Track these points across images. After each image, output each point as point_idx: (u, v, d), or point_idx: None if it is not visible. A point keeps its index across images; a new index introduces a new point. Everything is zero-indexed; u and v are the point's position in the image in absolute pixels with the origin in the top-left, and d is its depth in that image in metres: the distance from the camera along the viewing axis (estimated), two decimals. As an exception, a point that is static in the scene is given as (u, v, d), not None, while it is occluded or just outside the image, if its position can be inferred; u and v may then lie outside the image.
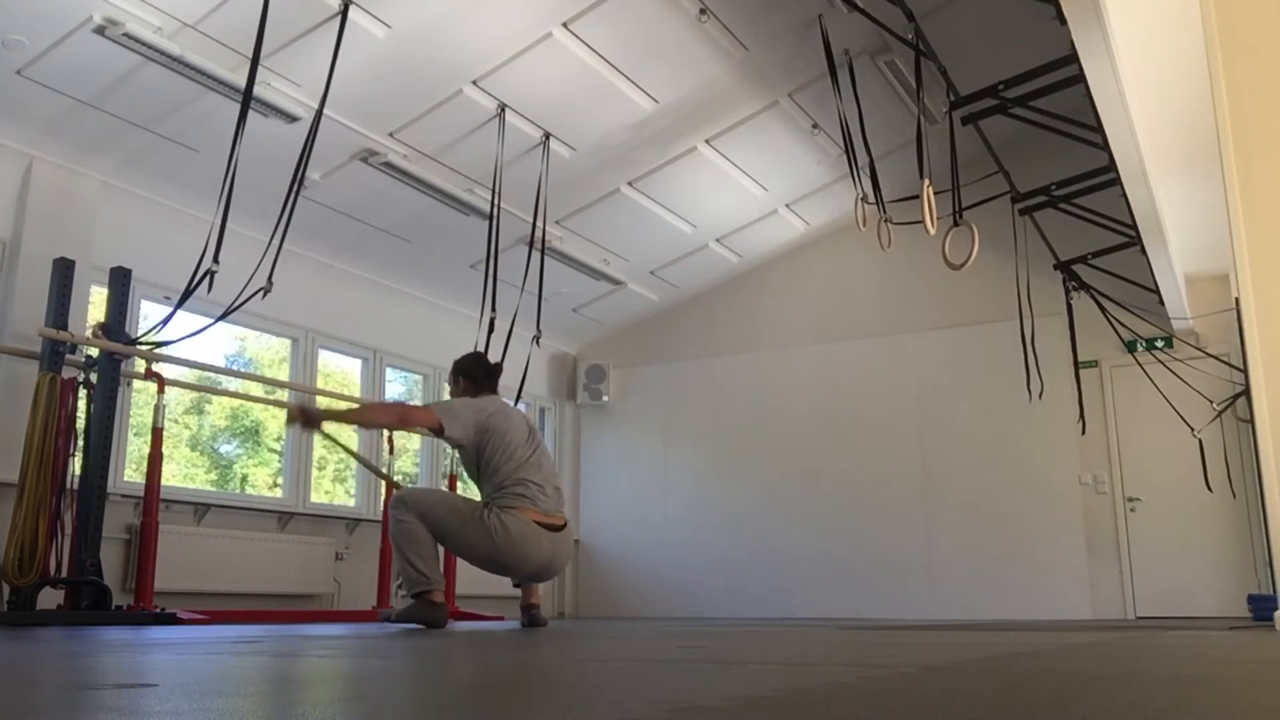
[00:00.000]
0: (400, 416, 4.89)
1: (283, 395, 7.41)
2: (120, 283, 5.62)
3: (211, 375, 7.07)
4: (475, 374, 4.70)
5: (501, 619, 7.19)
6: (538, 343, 6.84)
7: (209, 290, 4.51)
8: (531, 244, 6.75)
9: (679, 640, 3.29)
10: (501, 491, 4.40)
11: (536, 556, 4.42)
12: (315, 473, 7.63)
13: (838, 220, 8.63)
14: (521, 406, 5.67)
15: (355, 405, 4.84)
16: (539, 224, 6.72)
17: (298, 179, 4.98)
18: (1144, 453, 7.82)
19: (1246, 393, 5.65)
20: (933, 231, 4.82)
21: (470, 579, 7.75)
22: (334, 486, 8.49)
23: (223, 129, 5.29)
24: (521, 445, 4.47)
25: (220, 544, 6.38)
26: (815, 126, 7.29)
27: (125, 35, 5.07)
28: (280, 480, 7.48)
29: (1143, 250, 6.45)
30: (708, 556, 8.99)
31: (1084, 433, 7.68)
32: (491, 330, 6.22)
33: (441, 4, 5.54)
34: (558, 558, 4.53)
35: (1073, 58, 4.44)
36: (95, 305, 5.89)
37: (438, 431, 4.38)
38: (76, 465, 5.33)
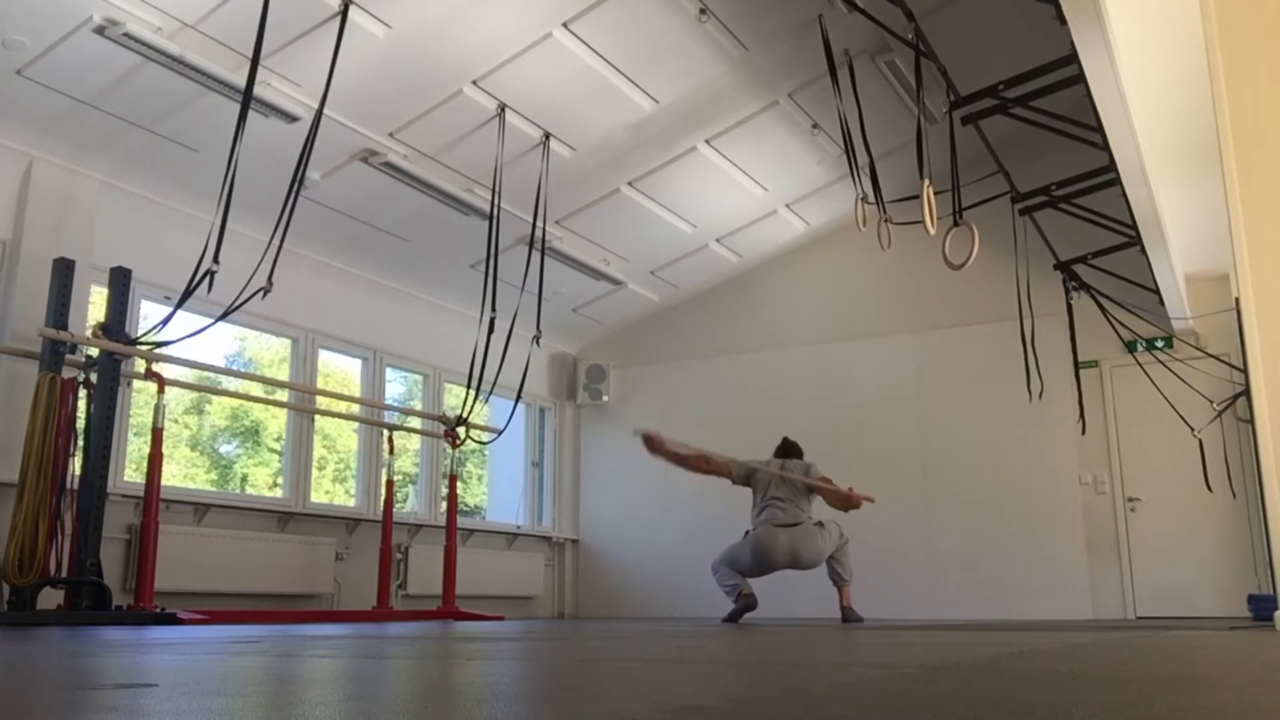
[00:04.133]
0: (716, 467, 6.58)
1: (283, 395, 7.41)
2: (120, 283, 5.62)
3: (211, 375, 7.07)
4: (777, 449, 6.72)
5: (502, 618, 7.20)
6: (538, 343, 6.85)
7: (209, 290, 4.51)
8: (531, 244, 6.75)
9: (679, 640, 3.29)
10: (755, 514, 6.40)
11: (778, 547, 6.18)
12: (315, 473, 7.63)
13: (838, 220, 8.63)
14: (521, 406, 6.03)
15: (696, 451, 6.50)
16: (539, 224, 6.72)
17: (298, 179, 4.98)
18: (1144, 453, 7.81)
19: (1246, 393, 5.65)
20: (933, 231, 4.82)
21: (472, 582, 7.78)
22: (334, 486, 8.49)
23: (223, 129, 5.29)
24: (772, 485, 6.36)
25: (220, 544, 6.38)
26: (815, 126, 7.29)
27: (125, 35, 5.07)
28: (280, 480, 7.48)
29: (1143, 250, 6.45)
30: (708, 557, 8.97)
31: (1084, 433, 7.68)
32: (491, 330, 6.22)
33: (441, 4, 5.54)
34: (796, 545, 6.20)
35: (1073, 58, 4.44)
36: (95, 305, 5.89)
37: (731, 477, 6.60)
38: (76, 465, 5.33)
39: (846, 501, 6.36)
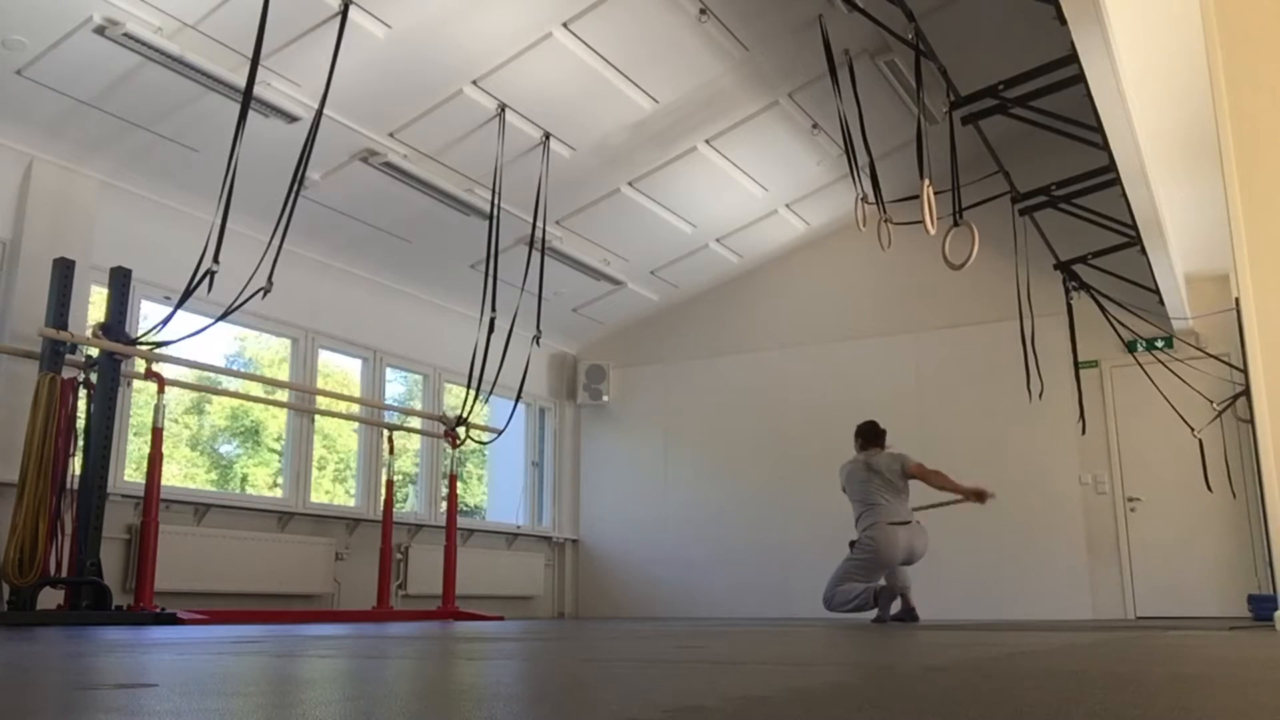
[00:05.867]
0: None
1: (283, 395, 7.41)
2: (120, 283, 5.62)
3: (211, 375, 7.07)
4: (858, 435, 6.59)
5: (501, 619, 7.20)
6: (538, 343, 6.84)
7: (209, 290, 4.51)
8: (531, 244, 6.75)
9: (679, 640, 3.29)
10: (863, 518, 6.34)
11: (898, 545, 6.22)
12: (315, 473, 7.63)
13: (838, 220, 8.63)
14: (521, 406, 5.96)
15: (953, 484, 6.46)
16: (539, 224, 6.72)
17: (298, 179, 4.98)
18: (1144, 453, 7.81)
19: (1246, 393, 5.65)
20: (933, 231, 4.82)
21: (472, 582, 7.78)
22: (334, 486, 8.49)
23: (223, 129, 5.29)
24: (862, 485, 6.34)
25: (220, 544, 6.38)
26: (815, 126, 7.29)
27: (125, 35, 5.07)
28: (280, 480, 7.48)
29: (1143, 250, 6.45)
30: (708, 556, 8.98)
31: (1084, 433, 7.67)
32: (491, 330, 6.22)
33: (441, 4, 5.54)
34: (913, 541, 6.29)
35: (1073, 58, 4.44)
36: (95, 305, 5.89)
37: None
38: (76, 465, 5.33)
39: (978, 496, 6.43)
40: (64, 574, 5.15)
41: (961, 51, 6.06)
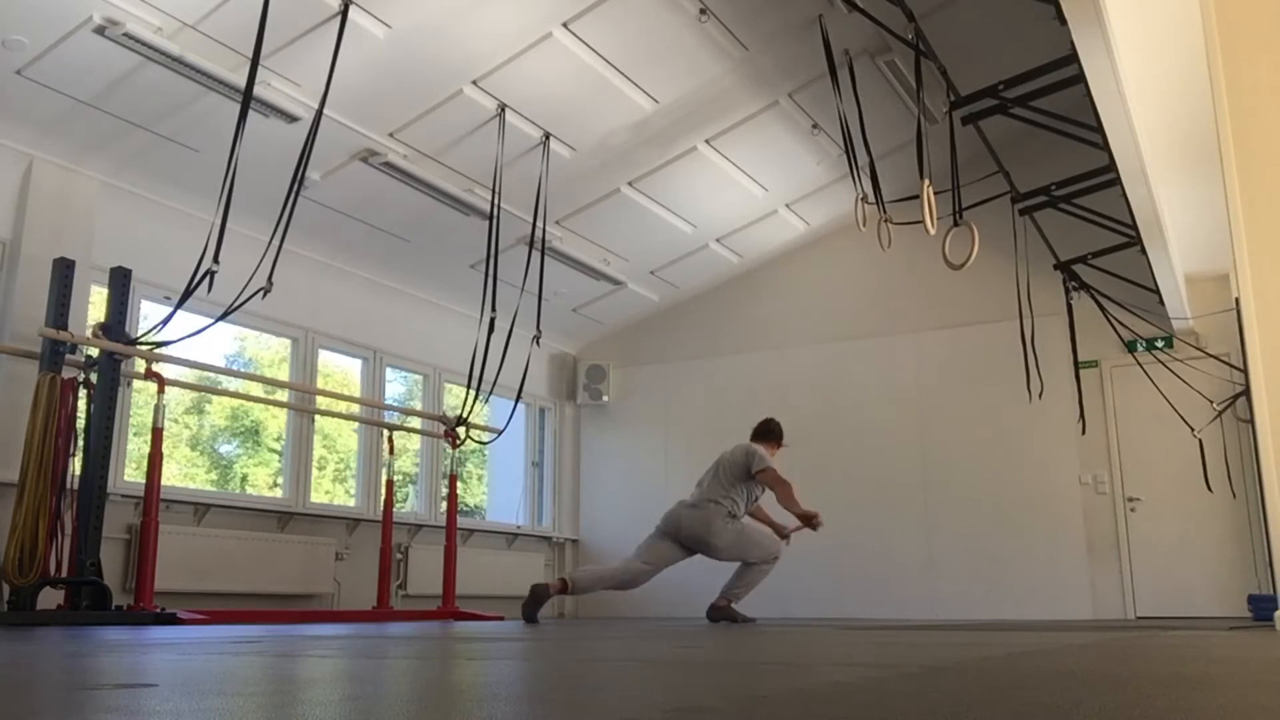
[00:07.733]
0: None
1: (283, 395, 7.41)
2: (120, 283, 5.62)
3: (211, 375, 7.07)
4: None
5: (501, 618, 7.19)
6: (538, 343, 6.85)
7: (209, 290, 4.51)
8: (531, 244, 6.75)
9: (679, 640, 3.29)
10: None
11: (669, 520, 6.55)
12: (315, 473, 7.63)
13: (838, 220, 8.63)
14: (521, 406, 6.27)
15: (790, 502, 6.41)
16: (539, 224, 6.72)
17: (298, 179, 4.98)
18: (1144, 453, 7.81)
19: (1246, 393, 5.65)
20: (933, 231, 4.82)
21: (472, 582, 7.78)
22: (334, 486, 8.49)
23: (223, 129, 5.29)
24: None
25: (220, 544, 6.38)
26: (815, 126, 7.29)
27: (125, 35, 5.07)
28: (280, 480, 7.48)
29: (1143, 250, 6.45)
30: (707, 556, 8.96)
31: (1084, 433, 7.68)
32: (491, 330, 6.22)
33: (441, 4, 5.54)
34: (684, 521, 6.48)
35: (1073, 58, 4.44)
36: (95, 305, 5.89)
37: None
38: (76, 465, 5.33)
39: (807, 520, 6.37)
40: (64, 574, 5.15)
41: (961, 51, 6.06)
